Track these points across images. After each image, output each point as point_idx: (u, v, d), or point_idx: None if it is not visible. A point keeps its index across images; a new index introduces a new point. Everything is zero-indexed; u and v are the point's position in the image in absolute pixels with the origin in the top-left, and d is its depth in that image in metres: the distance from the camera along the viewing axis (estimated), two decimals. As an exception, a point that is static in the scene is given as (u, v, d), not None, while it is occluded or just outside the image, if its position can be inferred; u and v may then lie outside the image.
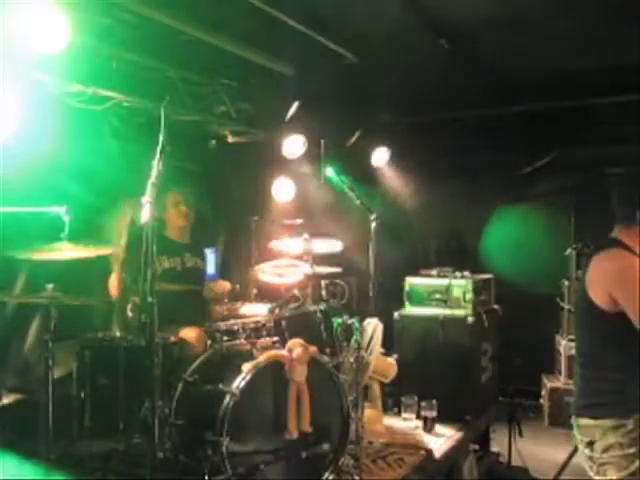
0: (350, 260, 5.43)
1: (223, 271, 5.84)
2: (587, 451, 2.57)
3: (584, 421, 2.58)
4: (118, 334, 4.17)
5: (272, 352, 3.75)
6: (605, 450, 2.50)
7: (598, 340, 2.57)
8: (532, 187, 7.30)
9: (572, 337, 5.40)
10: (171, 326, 4.11)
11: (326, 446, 3.73)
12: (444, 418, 4.91)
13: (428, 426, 4.86)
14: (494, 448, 5.65)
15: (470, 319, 5.29)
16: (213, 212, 6.19)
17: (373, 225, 4.40)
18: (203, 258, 4.90)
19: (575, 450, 3.88)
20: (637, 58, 4.46)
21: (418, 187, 6.96)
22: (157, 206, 3.05)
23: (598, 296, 2.49)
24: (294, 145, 5.55)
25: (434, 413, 4.86)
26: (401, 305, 5.65)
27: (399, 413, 5.13)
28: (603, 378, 2.55)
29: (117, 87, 4.26)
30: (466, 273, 5.63)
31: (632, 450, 2.47)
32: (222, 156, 6.01)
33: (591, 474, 2.59)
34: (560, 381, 6.77)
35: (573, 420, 2.66)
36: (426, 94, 5.54)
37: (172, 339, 4.03)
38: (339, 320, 4.24)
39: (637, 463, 2.47)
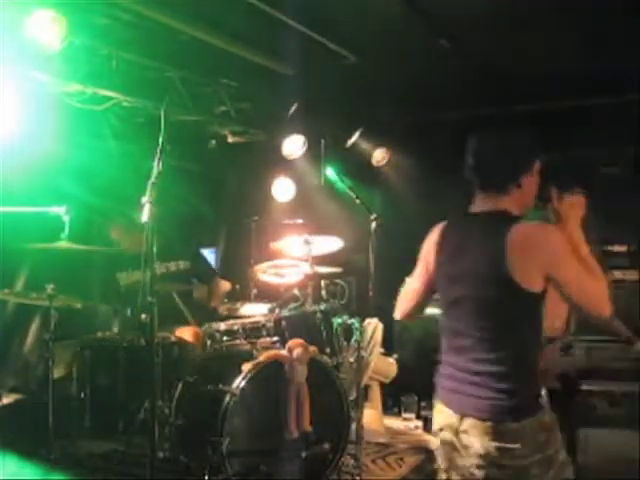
0: (350, 260, 5.43)
1: (223, 271, 5.84)
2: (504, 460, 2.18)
3: (508, 425, 2.17)
4: (118, 334, 4.18)
5: (272, 352, 3.75)
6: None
7: (517, 329, 2.23)
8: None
9: (572, 337, 5.41)
10: (165, 326, 4.11)
11: (326, 446, 3.73)
12: (444, 418, 4.91)
13: (428, 426, 4.86)
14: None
15: (470, 319, 5.28)
16: (213, 212, 6.20)
17: (373, 225, 4.40)
18: (193, 259, 4.80)
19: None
20: (637, 58, 4.46)
21: (418, 187, 6.96)
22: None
23: (528, 276, 2.17)
24: (294, 145, 5.56)
25: (434, 413, 4.86)
26: (401, 305, 5.64)
27: (399, 413, 5.14)
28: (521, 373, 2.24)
29: (117, 87, 4.26)
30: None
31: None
32: (222, 156, 6.01)
33: None
34: (560, 381, 6.76)
35: (486, 427, 2.21)
36: (426, 94, 5.53)
37: (172, 339, 4.04)
38: (339, 320, 4.24)
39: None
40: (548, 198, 2.47)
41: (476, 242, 2.31)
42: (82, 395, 3.84)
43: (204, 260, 5.14)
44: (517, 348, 2.23)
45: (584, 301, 2.21)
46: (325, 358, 3.96)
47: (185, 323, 4.38)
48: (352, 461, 4.00)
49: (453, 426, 2.32)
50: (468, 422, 2.26)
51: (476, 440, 2.23)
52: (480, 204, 2.41)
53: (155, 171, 3.04)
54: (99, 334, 4.13)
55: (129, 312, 4.30)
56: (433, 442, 4.67)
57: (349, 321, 4.22)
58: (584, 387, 5.48)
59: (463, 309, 2.36)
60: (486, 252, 2.25)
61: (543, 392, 2.36)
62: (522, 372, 2.23)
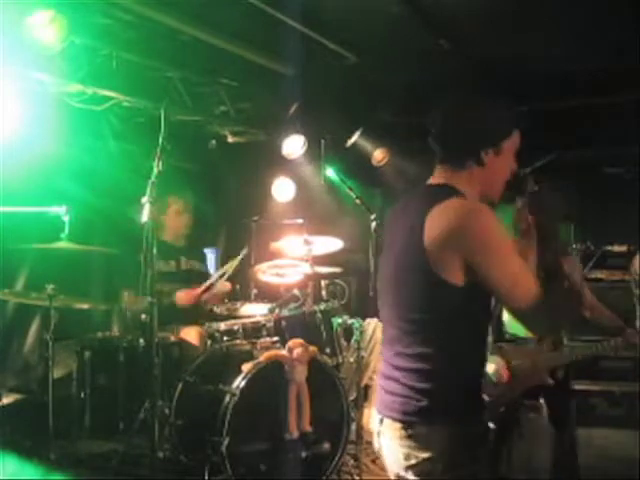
0: (350, 260, 5.43)
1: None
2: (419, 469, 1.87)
3: (417, 428, 1.87)
4: (118, 334, 4.18)
5: (272, 352, 3.76)
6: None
7: (443, 324, 1.88)
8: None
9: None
10: (168, 326, 4.11)
11: (326, 446, 3.73)
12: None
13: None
14: (494, 448, 5.64)
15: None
16: (213, 212, 6.20)
17: (373, 225, 4.40)
18: (202, 260, 4.87)
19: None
20: (637, 58, 4.46)
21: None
22: (156, 208, 3.06)
23: (445, 264, 1.82)
24: (294, 145, 5.55)
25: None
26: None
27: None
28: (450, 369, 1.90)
29: (117, 87, 4.26)
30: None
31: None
32: (222, 156, 6.01)
33: None
34: (560, 381, 6.75)
35: (396, 429, 1.90)
36: (426, 94, 5.53)
37: (172, 339, 4.04)
38: (339, 320, 4.24)
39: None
40: (523, 190, 2.00)
41: (406, 219, 1.97)
42: (82, 395, 3.84)
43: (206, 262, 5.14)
44: (444, 346, 1.87)
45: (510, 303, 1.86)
46: (325, 358, 3.96)
47: (191, 323, 4.36)
48: (352, 461, 4.00)
49: (376, 428, 2.00)
50: (385, 423, 1.95)
51: (388, 444, 1.94)
52: (434, 178, 2.06)
53: (155, 171, 3.05)
54: (99, 334, 4.13)
55: (129, 314, 4.30)
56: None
57: (349, 321, 4.22)
58: (583, 387, 5.49)
59: (389, 295, 2.01)
60: (407, 230, 1.91)
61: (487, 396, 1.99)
62: (447, 373, 1.88)
